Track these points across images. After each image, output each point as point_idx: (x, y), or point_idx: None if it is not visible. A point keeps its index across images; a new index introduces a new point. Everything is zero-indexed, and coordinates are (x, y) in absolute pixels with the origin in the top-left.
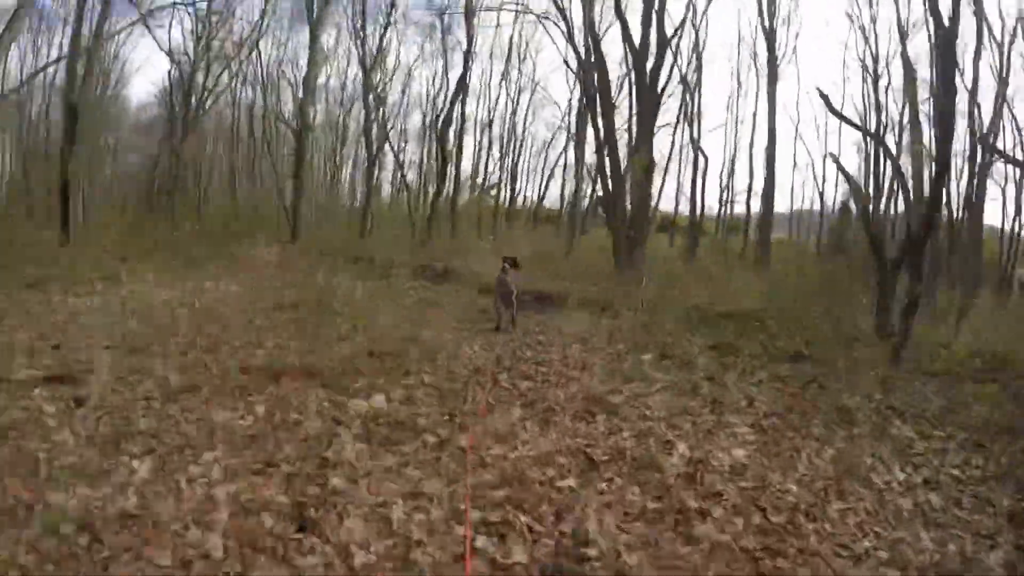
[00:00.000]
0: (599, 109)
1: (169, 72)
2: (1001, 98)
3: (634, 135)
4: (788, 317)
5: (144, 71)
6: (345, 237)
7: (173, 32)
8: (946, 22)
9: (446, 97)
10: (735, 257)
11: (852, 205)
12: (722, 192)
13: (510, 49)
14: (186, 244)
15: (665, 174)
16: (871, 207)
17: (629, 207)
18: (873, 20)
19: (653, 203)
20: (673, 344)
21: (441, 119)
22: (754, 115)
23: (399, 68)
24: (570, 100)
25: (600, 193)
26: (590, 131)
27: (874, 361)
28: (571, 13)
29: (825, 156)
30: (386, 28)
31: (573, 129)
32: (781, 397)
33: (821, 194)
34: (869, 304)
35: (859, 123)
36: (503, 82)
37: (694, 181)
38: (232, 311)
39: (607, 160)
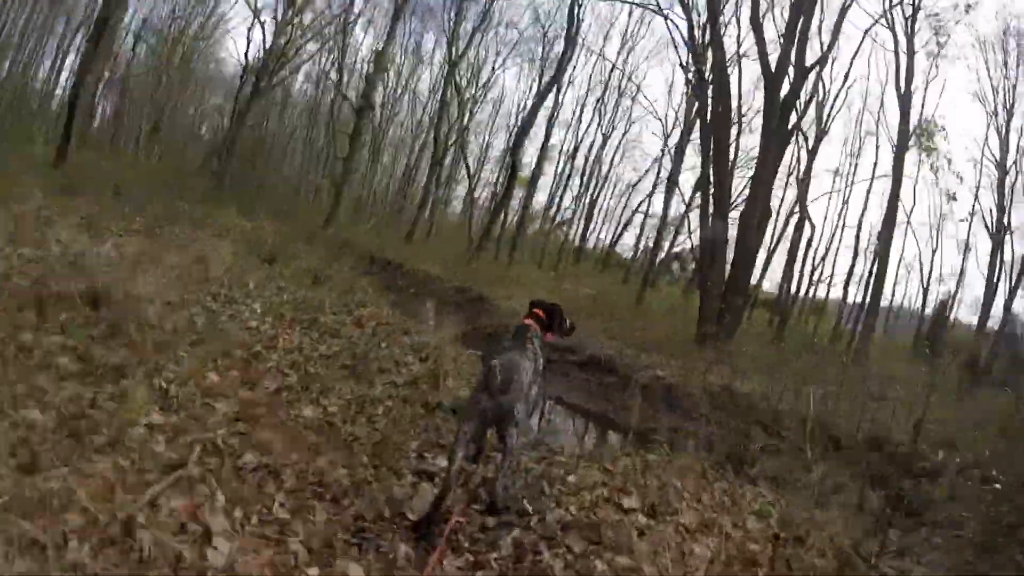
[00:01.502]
0: (712, 137)
1: (249, 30)
2: None
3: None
4: None
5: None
6: (389, 239)
7: None
8: None
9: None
10: (829, 348)
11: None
12: (814, 269)
13: (610, 75)
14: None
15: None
16: None
17: (729, 267)
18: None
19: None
20: None
21: (520, 124)
22: (868, 191)
23: (492, 82)
24: (665, 141)
25: (688, 244)
26: (683, 176)
27: None
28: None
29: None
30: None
31: (667, 167)
32: None
33: (925, 289)
34: None
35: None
36: (598, 108)
37: (793, 251)
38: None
39: (711, 200)
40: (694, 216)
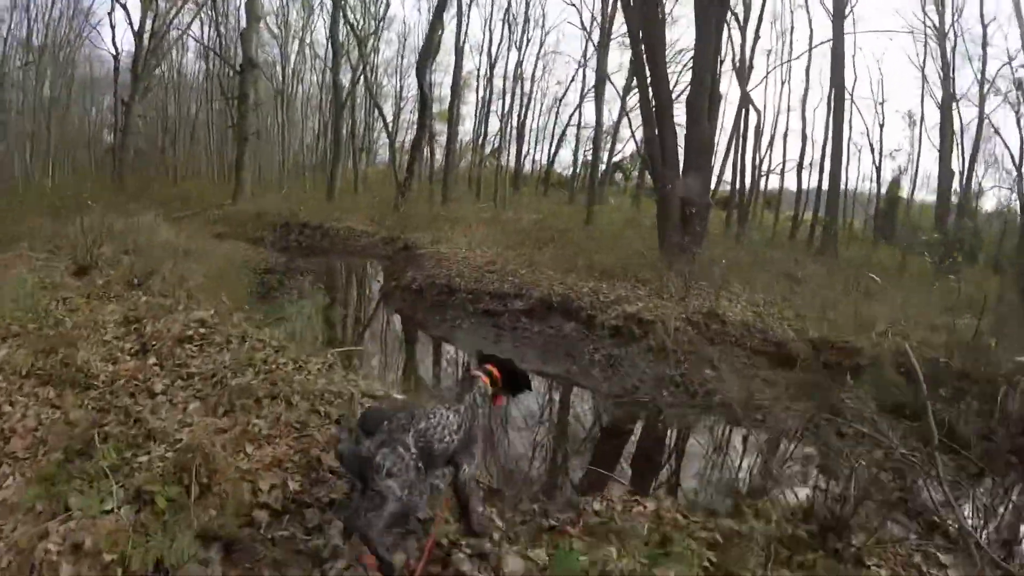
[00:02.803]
0: (640, 17)
1: (110, 14)
2: None
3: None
4: None
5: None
6: (309, 202)
7: None
8: None
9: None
10: (790, 240)
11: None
12: (761, 161)
13: None
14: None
15: None
16: None
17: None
18: None
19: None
20: None
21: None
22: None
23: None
24: (586, 43)
25: (628, 150)
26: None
27: None
28: None
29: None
30: None
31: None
32: None
33: (878, 168)
34: None
35: None
36: (506, 20)
37: (736, 141)
38: None
39: (651, 92)
40: (634, 119)
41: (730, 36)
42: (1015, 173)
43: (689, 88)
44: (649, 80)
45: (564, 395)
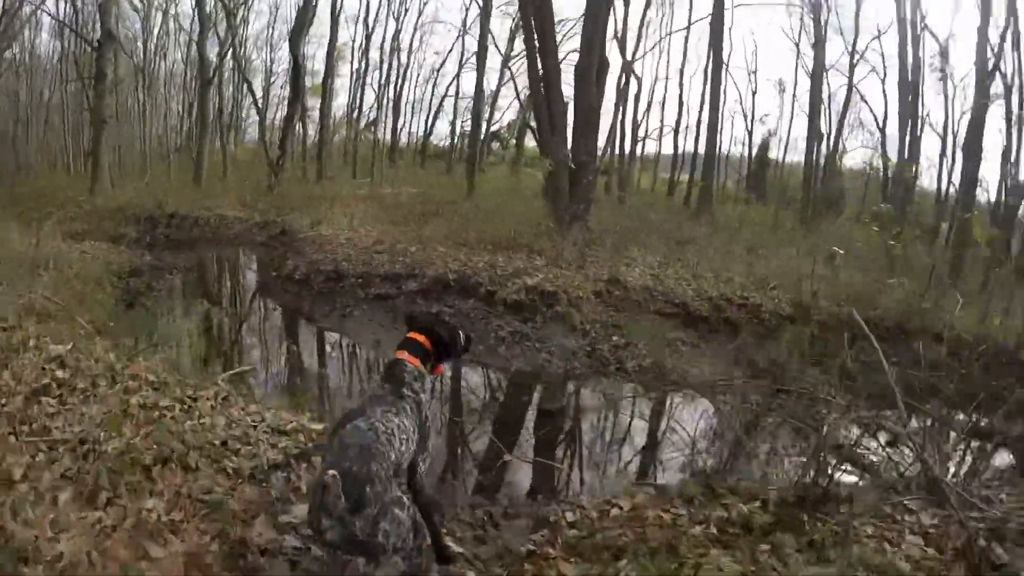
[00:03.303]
0: None
1: None
2: None
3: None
4: None
5: None
6: (175, 190)
7: None
8: None
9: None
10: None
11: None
12: (638, 126)
13: None
14: None
15: None
16: None
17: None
18: None
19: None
20: None
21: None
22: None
23: None
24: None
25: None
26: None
27: None
28: None
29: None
30: None
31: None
32: None
33: (750, 133)
34: None
35: None
36: None
37: (619, 108)
38: None
39: (541, 62)
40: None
41: (612, 5)
42: (878, 135)
43: (578, 56)
44: (538, 48)
45: (476, 380)
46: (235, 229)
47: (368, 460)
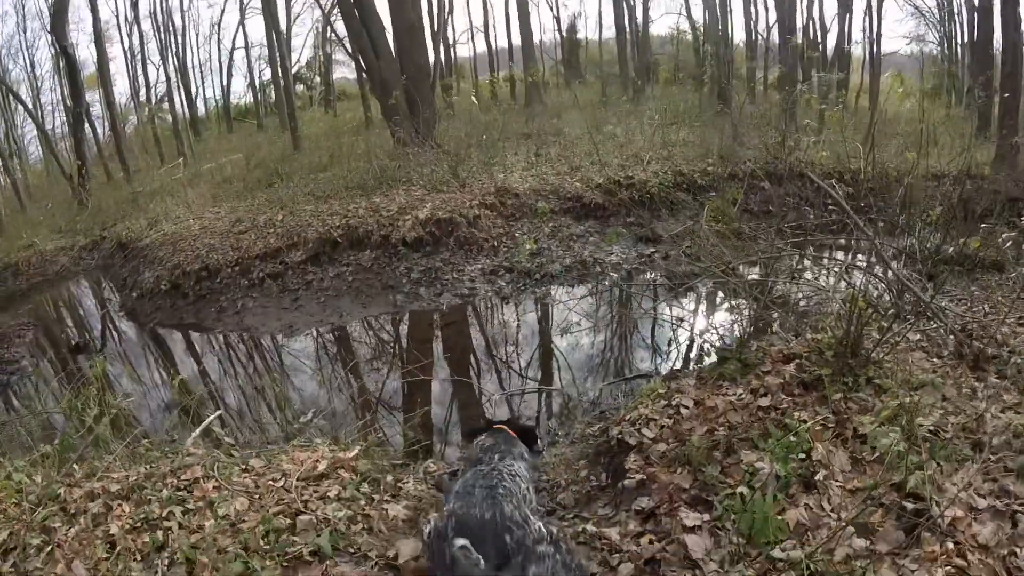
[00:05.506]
0: None
1: None
2: None
3: None
4: None
5: None
6: None
7: None
8: None
9: None
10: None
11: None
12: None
13: None
14: None
15: None
16: None
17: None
18: None
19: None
20: None
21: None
22: None
23: None
24: None
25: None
26: None
27: None
28: None
29: None
30: None
31: None
32: None
33: (557, 19)
34: None
35: None
36: None
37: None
38: None
39: None
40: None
41: None
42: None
43: None
44: None
45: (422, 333)
46: (62, 261)
47: (498, 503)
